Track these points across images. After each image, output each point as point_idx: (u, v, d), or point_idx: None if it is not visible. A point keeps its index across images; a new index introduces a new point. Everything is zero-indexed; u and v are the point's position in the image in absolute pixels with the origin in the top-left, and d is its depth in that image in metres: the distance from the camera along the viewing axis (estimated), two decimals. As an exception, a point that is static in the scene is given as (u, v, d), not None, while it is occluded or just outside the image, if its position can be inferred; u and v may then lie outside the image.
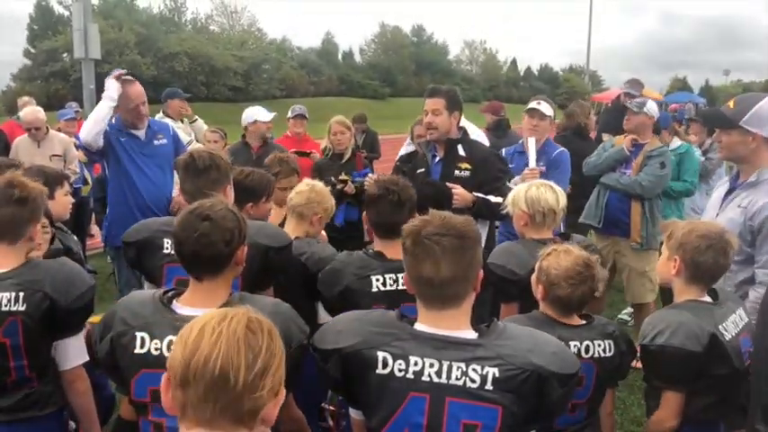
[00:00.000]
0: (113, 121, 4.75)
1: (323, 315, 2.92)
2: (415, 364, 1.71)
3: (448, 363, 1.70)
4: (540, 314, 2.39)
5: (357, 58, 62.07)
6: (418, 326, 1.79)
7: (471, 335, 1.77)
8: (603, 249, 5.05)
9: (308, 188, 3.18)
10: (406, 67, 59.46)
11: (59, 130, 7.54)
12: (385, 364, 1.72)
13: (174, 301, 1.96)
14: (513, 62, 75.15)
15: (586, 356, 2.29)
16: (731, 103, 3.06)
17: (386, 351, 1.73)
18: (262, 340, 1.18)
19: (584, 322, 2.40)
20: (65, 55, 36.95)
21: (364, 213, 2.74)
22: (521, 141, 4.97)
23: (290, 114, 6.50)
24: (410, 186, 2.78)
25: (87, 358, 2.40)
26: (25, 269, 2.29)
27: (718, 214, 3.10)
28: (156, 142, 4.62)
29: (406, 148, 5.57)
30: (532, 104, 4.79)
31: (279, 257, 2.63)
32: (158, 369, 1.85)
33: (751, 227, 2.87)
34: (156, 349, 1.87)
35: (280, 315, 1.93)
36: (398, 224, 2.60)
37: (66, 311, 2.27)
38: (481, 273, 1.83)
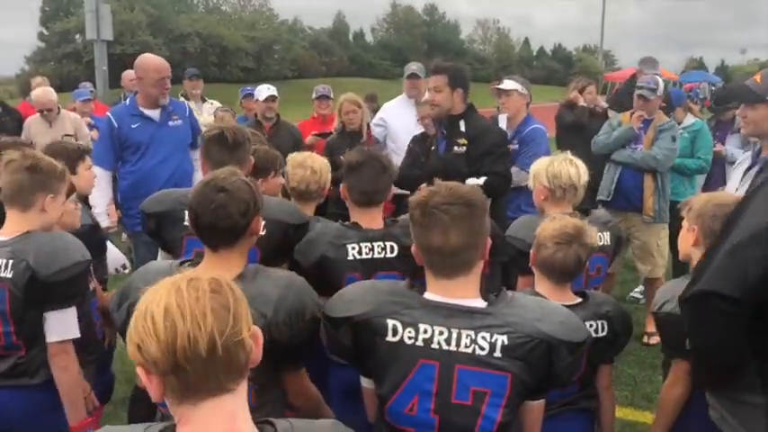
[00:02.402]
0: (127, 102, 4.75)
1: None
2: (425, 331, 1.73)
3: (457, 330, 1.72)
4: (529, 292, 2.39)
5: (369, 38, 61.86)
6: (428, 295, 1.81)
7: (480, 303, 1.79)
8: (617, 225, 5.08)
9: (310, 173, 3.13)
10: (418, 47, 59.06)
11: (74, 110, 7.56)
12: (395, 332, 1.75)
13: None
14: (526, 42, 74.60)
15: None
16: (758, 78, 3.00)
17: (396, 319, 1.76)
18: (227, 293, 1.17)
19: (577, 300, 2.40)
20: (77, 36, 37.05)
21: (341, 184, 2.71)
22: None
23: (313, 96, 6.42)
24: (388, 157, 2.80)
25: (73, 335, 2.40)
26: (21, 238, 2.34)
27: (737, 189, 3.09)
28: (171, 123, 4.58)
29: (374, 129, 5.59)
30: (496, 85, 4.85)
31: (297, 234, 2.66)
32: None
33: None
34: None
35: (294, 287, 1.96)
36: (380, 191, 2.66)
37: (45, 284, 2.28)
38: (489, 241, 1.85)
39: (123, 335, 2.05)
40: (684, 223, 2.50)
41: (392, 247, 2.56)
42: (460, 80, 3.93)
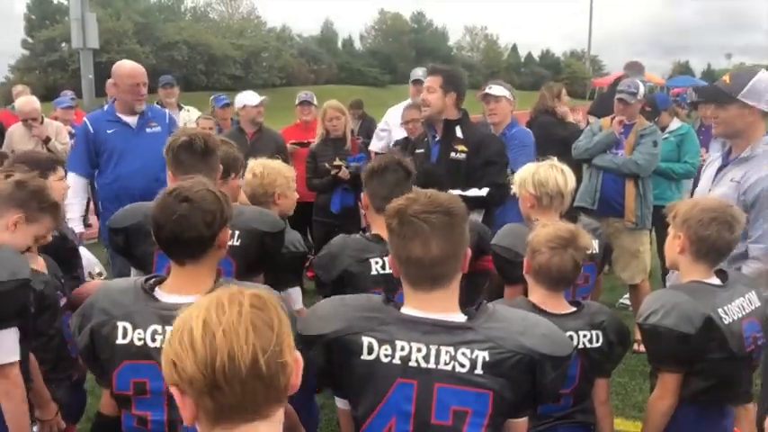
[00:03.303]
0: (105, 107, 4.67)
1: (299, 301, 2.90)
2: (402, 348, 1.65)
3: (436, 347, 1.64)
4: (523, 301, 2.32)
5: (357, 45, 61.96)
6: (405, 309, 1.73)
7: (460, 318, 1.71)
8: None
9: (252, 176, 3.09)
10: (407, 54, 59.15)
11: (56, 118, 7.52)
12: (370, 350, 1.66)
13: (157, 289, 1.89)
14: (514, 48, 74.79)
15: None
16: (726, 78, 3.08)
17: (371, 336, 1.67)
18: (270, 311, 1.10)
19: (572, 310, 2.32)
20: (63, 45, 36.82)
21: (363, 194, 2.64)
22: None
23: (296, 102, 6.36)
24: (411, 163, 2.73)
25: (11, 359, 2.18)
26: None
27: (710, 189, 3.10)
28: (148, 130, 4.47)
29: (379, 134, 5.54)
30: (484, 90, 4.79)
31: (273, 243, 2.58)
32: (141, 360, 1.79)
33: (744, 201, 2.85)
34: (140, 339, 1.80)
35: None
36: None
37: None
38: (469, 251, 1.77)
39: (86, 360, 1.95)
40: (670, 230, 2.44)
41: None
42: (455, 84, 3.87)
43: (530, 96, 8.65)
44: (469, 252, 1.77)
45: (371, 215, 2.62)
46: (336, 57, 54.02)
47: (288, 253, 2.84)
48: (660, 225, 5.40)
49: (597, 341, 2.28)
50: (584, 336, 2.25)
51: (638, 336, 5.06)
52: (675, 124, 5.77)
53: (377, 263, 2.46)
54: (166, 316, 1.79)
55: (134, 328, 1.81)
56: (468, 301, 1.82)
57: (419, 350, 1.64)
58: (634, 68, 6.65)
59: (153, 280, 1.92)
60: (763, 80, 2.96)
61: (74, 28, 11.26)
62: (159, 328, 1.79)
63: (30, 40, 41.18)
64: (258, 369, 1.05)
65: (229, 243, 2.38)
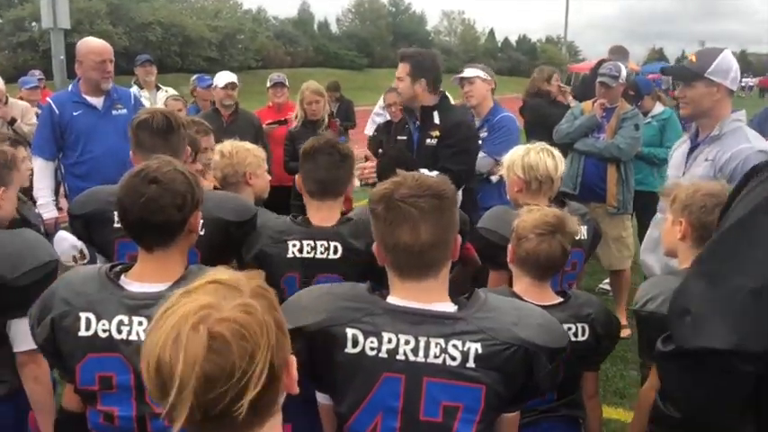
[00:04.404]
0: (70, 88, 4.49)
1: None
2: (389, 341, 1.54)
3: (425, 339, 1.53)
4: (505, 290, 2.21)
5: (333, 28, 61.31)
6: (392, 299, 1.62)
7: (450, 307, 1.60)
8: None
9: (220, 157, 2.97)
10: (384, 38, 58.66)
11: (21, 98, 7.25)
12: (355, 343, 1.55)
13: (123, 276, 1.76)
14: (491, 33, 74.75)
15: None
16: (693, 57, 3.12)
17: (356, 327, 1.56)
18: (232, 346, 0.96)
19: (557, 300, 2.22)
20: (33, 24, 35.88)
21: (297, 176, 2.51)
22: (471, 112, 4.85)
23: (268, 84, 6.22)
24: (348, 146, 2.61)
25: (35, 345, 2.17)
26: None
27: (684, 173, 3.07)
28: (114, 112, 4.32)
29: (374, 118, 5.45)
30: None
31: (241, 232, 2.44)
32: (107, 353, 1.67)
33: (722, 178, 2.79)
34: (105, 331, 1.67)
35: None
36: (338, 181, 2.45)
37: (11, 289, 2.03)
38: (459, 238, 1.66)
39: (48, 353, 1.82)
40: (668, 215, 2.34)
41: (336, 248, 2.34)
42: (425, 70, 3.73)
43: (508, 82, 8.61)
44: (459, 238, 1.66)
45: (305, 198, 2.49)
46: (313, 39, 53.38)
47: None
48: (642, 210, 5.39)
49: (584, 335, 2.18)
50: (570, 329, 2.13)
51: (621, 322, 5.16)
52: (658, 108, 5.73)
53: (294, 245, 2.34)
54: (133, 306, 1.67)
55: (98, 319, 1.67)
56: (457, 292, 1.72)
57: (407, 342, 1.53)
58: (619, 53, 6.59)
59: (119, 267, 1.79)
60: (728, 58, 3.00)
61: (44, 7, 10.86)
62: (126, 318, 1.66)
63: (-2, 19, 40.11)
64: (208, 418, 0.95)
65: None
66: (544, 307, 2.12)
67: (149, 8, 41.54)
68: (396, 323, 1.55)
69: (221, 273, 1.05)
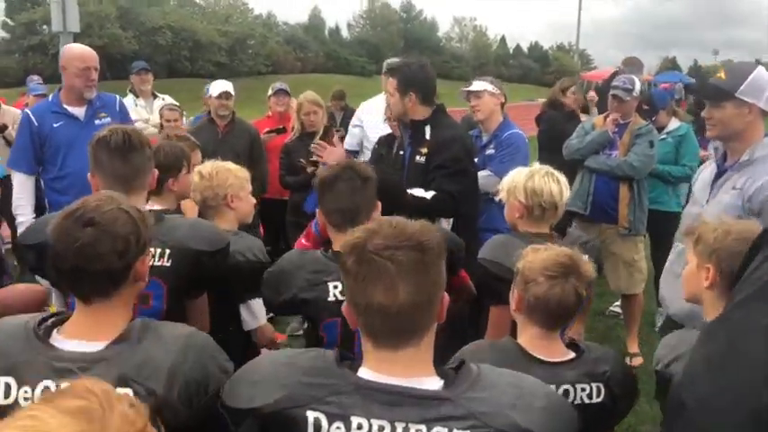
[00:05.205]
0: (50, 98, 4.28)
1: (249, 319, 2.58)
2: (359, 427, 1.27)
3: (403, 425, 1.26)
4: (509, 343, 1.95)
5: (345, 33, 61.26)
6: (363, 372, 1.35)
7: (435, 383, 1.33)
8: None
9: (199, 179, 2.76)
10: (395, 44, 58.45)
11: (26, 104, 7.07)
12: (317, 428, 1.28)
13: (54, 332, 1.51)
14: (503, 40, 74.38)
15: None
16: (722, 74, 2.79)
17: (319, 410, 1.29)
18: None
19: (569, 356, 1.95)
20: (44, 28, 35.95)
21: (317, 211, 2.31)
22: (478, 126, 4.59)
23: (269, 92, 5.96)
24: (368, 166, 2.38)
25: None
26: None
27: (708, 200, 2.80)
28: (97, 122, 4.06)
29: (351, 130, 5.21)
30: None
31: (213, 262, 2.21)
32: None
33: (750, 209, 2.57)
34: (26, 399, 1.41)
35: (193, 350, 1.50)
36: (360, 208, 2.20)
37: None
38: (447, 297, 1.40)
39: None
40: (691, 257, 2.06)
41: None
42: (413, 82, 3.45)
43: (518, 89, 8.36)
44: (447, 298, 1.39)
45: (330, 231, 2.27)
46: (323, 45, 53.32)
47: (246, 263, 2.50)
48: (655, 231, 5.12)
49: (598, 396, 1.89)
50: (583, 390, 1.87)
51: (631, 349, 4.89)
52: (674, 124, 5.43)
53: (335, 287, 2.09)
54: (62, 369, 1.42)
55: (20, 386, 1.42)
56: (450, 330, 1.46)
57: (381, 429, 1.27)
58: (633, 65, 6.32)
59: (51, 320, 1.53)
60: (762, 75, 2.69)
61: (54, 10, 10.82)
62: (52, 384, 1.40)
63: (10, 22, 40.22)
64: None
65: (158, 263, 2.05)
66: (554, 364, 1.88)
67: (159, 12, 41.69)
68: (367, 405, 1.28)
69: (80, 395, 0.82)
